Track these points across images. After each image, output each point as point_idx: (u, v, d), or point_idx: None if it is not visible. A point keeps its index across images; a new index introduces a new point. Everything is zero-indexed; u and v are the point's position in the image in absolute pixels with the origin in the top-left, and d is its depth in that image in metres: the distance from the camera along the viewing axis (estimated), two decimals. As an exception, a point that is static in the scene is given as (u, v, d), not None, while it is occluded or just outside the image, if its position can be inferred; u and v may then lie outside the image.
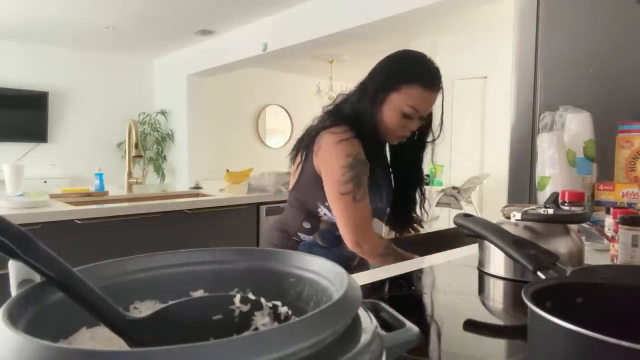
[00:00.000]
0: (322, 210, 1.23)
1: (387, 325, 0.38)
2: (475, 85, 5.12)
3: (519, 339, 0.64)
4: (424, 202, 1.41)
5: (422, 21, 4.36)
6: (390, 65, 1.21)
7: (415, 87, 1.15)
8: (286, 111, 7.87)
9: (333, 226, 1.22)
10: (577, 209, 1.10)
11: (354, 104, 1.23)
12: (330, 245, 1.27)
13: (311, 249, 1.27)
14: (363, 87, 1.23)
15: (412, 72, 1.17)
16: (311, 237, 1.27)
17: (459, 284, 0.90)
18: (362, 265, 1.35)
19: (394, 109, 1.17)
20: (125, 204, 2.19)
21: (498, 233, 0.78)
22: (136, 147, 2.51)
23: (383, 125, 1.19)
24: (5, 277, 0.33)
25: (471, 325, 0.67)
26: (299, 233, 1.27)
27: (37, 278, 0.33)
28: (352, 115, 1.21)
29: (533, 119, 1.70)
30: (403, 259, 1.14)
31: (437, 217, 5.11)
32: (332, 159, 1.15)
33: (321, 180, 1.19)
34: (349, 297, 0.29)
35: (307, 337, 0.24)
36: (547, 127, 1.38)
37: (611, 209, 1.08)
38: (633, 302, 0.49)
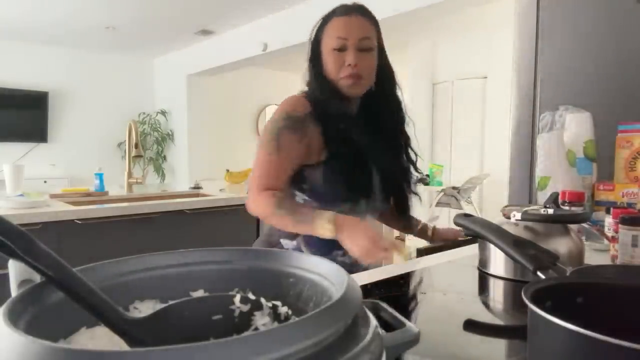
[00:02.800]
0: (299, 198, 1.16)
1: (387, 325, 0.38)
2: (475, 85, 5.11)
3: (519, 339, 0.64)
4: (416, 165, 1.31)
5: (422, 21, 4.36)
6: (315, 23, 1.23)
7: (334, 20, 1.16)
8: (286, 111, 7.85)
9: None
10: (577, 209, 1.10)
11: (306, 71, 1.22)
12: (315, 250, 1.13)
13: None
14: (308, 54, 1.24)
15: (329, 12, 1.19)
16: (294, 242, 1.17)
17: (459, 284, 0.90)
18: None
19: (327, 52, 1.15)
20: (125, 204, 2.19)
21: (498, 233, 0.78)
22: (136, 147, 2.51)
23: (328, 75, 1.16)
24: (5, 277, 0.33)
25: (471, 325, 0.67)
26: (281, 240, 1.19)
27: (37, 278, 0.33)
28: (308, 82, 1.20)
29: (533, 119, 1.70)
30: (300, 216, 1.02)
31: (437, 217, 5.11)
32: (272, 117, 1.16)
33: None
34: (349, 297, 0.29)
35: (307, 337, 0.24)
36: (547, 127, 1.38)
37: (611, 209, 1.08)
38: (633, 302, 0.49)
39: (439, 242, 1.36)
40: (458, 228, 1.03)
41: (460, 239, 1.31)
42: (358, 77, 1.13)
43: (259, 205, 1.07)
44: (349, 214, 1.04)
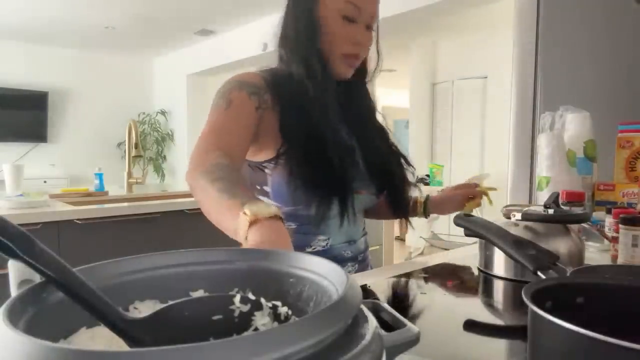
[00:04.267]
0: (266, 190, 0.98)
1: (387, 325, 0.38)
2: (475, 85, 5.11)
3: (519, 339, 0.64)
4: (407, 158, 1.13)
5: (422, 21, 4.36)
6: None
7: None
8: (286, 111, 7.85)
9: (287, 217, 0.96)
10: (577, 209, 1.10)
11: (282, 41, 1.01)
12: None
13: None
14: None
15: None
16: None
17: (459, 284, 0.90)
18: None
19: (332, 19, 0.93)
20: (125, 204, 2.19)
21: (498, 233, 0.78)
22: (136, 147, 2.51)
23: (326, 48, 0.94)
24: (5, 277, 0.33)
25: (471, 325, 0.67)
26: None
27: (37, 278, 0.33)
28: (284, 55, 1.00)
29: (533, 119, 1.70)
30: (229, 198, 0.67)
31: (437, 217, 5.11)
32: None
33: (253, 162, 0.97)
34: (349, 297, 0.29)
35: (307, 337, 0.24)
36: (547, 127, 1.38)
37: (611, 209, 1.08)
38: (633, 302, 0.49)
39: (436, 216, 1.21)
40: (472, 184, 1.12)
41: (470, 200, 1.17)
42: (359, 59, 0.98)
43: (195, 168, 0.77)
44: (321, 217, 0.91)
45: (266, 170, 0.95)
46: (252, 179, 0.98)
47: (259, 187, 0.97)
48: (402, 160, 1.12)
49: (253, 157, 0.97)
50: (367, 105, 1.09)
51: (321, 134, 0.93)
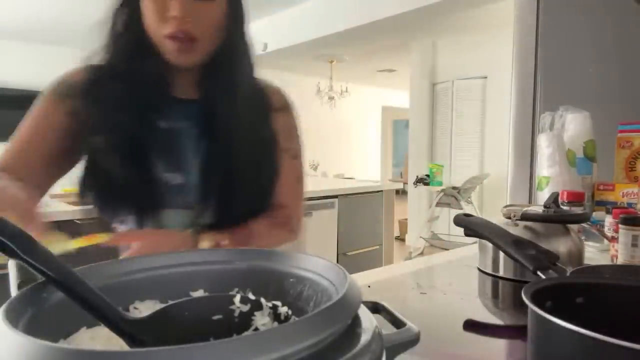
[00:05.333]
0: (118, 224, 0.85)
1: (387, 325, 0.38)
2: (475, 85, 5.11)
3: (519, 339, 0.64)
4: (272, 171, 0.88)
5: (422, 21, 4.36)
6: None
7: None
8: (286, 111, 7.86)
9: None
10: (577, 209, 1.10)
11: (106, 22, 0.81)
12: None
13: None
14: None
15: None
16: None
17: (459, 284, 0.90)
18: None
19: None
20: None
21: (498, 233, 0.78)
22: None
23: (149, 30, 0.76)
24: (5, 277, 0.33)
25: (471, 325, 0.67)
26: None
27: (37, 278, 0.33)
28: (107, 41, 0.81)
29: (533, 119, 1.70)
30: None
31: (437, 217, 5.12)
32: None
33: None
34: (349, 297, 0.29)
35: (307, 337, 0.24)
36: (547, 127, 1.38)
37: (611, 209, 1.08)
38: (633, 302, 0.49)
39: None
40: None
41: None
42: (189, 39, 0.74)
43: None
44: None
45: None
46: None
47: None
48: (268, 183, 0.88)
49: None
50: (235, 102, 0.83)
51: (126, 140, 0.77)
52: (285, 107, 0.95)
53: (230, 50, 0.82)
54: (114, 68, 0.79)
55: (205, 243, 0.73)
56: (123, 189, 0.78)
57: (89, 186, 0.80)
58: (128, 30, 0.78)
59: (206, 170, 0.82)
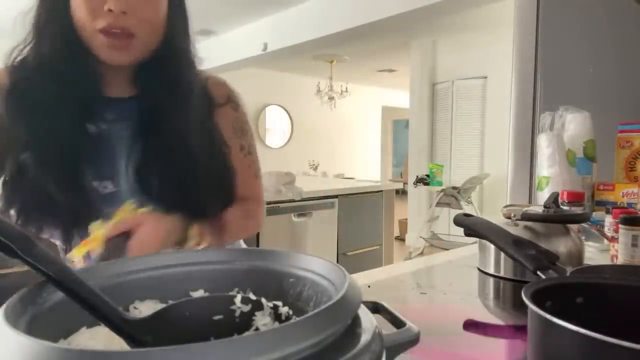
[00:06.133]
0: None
1: (387, 325, 0.38)
2: (475, 85, 5.12)
3: (519, 339, 0.64)
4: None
5: (422, 21, 4.36)
6: None
7: None
8: (286, 111, 7.87)
9: None
10: (577, 209, 1.10)
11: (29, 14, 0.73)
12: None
13: None
14: None
15: None
16: None
17: (459, 284, 0.90)
18: None
19: None
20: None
21: (498, 233, 0.78)
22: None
23: (78, 24, 0.69)
24: (5, 277, 0.33)
25: (471, 325, 0.67)
26: None
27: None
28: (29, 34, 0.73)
29: (533, 119, 1.70)
30: None
31: (437, 217, 5.12)
32: None
33: None
34: (349, 297, 0.29)
35: (308, 337, 0.24)
36: (547, 127, 1.38)
37: (611, 209, 1.08)
38: (633, 302, 0.49)
39: None
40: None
41: None
42: (126, 34, 0.68)
43: None
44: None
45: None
46: None
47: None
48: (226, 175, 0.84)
49: None
50: (172, 98, 0.77)
51: (52, 148, 0.69)
52: (231, 102, 0.88)
53: (171, 48, 0.76)
54: (38, 66, 0.70)
55: (195, 230, 0.72)
56: (48, 201, 0.69)
57: (10, 200, 0.70)
58: (53, 23, 0.69)
59: (141, 174, 0.75)
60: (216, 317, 0.35)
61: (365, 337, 0.29)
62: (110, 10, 0.66)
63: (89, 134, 0.74)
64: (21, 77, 0.71)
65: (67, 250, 0.72)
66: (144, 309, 0.37)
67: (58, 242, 0.75)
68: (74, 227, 0.72)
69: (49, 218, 0.71)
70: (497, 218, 0.96)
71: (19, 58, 0.73)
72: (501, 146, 4.08)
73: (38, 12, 0.71)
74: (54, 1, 0.70)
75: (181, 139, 0.77)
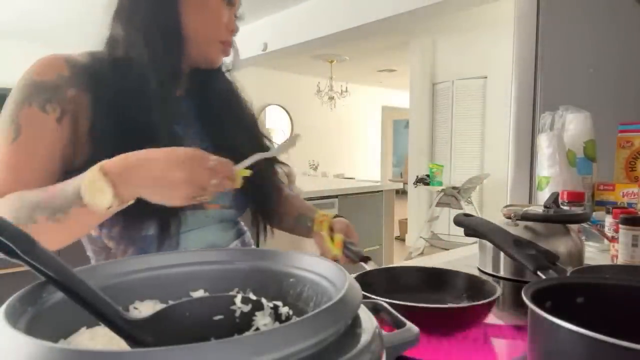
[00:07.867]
0: (105, 237, 0.84)
1: (387, 325, 0.38)
2: (475, 85, 5.12)
3: (519, 339, 0.64)
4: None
5: (422, 21, 4.36)
6: None
7: None
8: (286, 111, 7.87)
9: None
10: (577, 209, 1.10)
11: (118, 15, 0.79)
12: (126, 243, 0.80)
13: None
14: None
15: None
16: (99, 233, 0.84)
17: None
18: None
19: None
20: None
21: (498, 233, 0.78)
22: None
23: (192, 33, 0.78)
24: (5, 277, 0.33)
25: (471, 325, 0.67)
26: (95, 235, 0.87)
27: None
28: (123, 34, 0.77)
29: (533, 119, 1.70)
30: (52, 200, 0.62)
31: (437, 217, 5.12)
32: None
33: None
34: (349, 298, 0.29)
35: (308, 337, 0.24)
36: (547, 127, 1.38)
37: (611, 209, 1.08)
38: (633, 302, 0.49)
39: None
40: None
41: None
42: (230, 45, 0.86)
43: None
44: (128, 239, 0.75)
45: None
46: None
47: None
48: (274, 162, 0.96)
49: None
50: (229, 99, 0.93)
51: (148, 137, 0.70)
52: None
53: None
54: (130, 60, 0.74)
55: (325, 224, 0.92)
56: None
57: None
58: (156, 23, 0.75)
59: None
60: (216, 317, 0.35)
61: (365, 337, 0.29)
62: (230, 26, 0.84)
63: (168, 126, 0.77)
64: (96, 69, 0.75)
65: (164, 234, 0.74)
66: (144, 309, 0.37)
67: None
68: (173, 217, 0.74)
69: (149, 211, 0.69)
70: (497, 218, 0.96)
71: (94, 52, 0.80)
72: (501, 146, 4.08)
73: (133, 11, 0.76)
74: (160, 5, 0.76)
75: (238, 124, 0.92)
